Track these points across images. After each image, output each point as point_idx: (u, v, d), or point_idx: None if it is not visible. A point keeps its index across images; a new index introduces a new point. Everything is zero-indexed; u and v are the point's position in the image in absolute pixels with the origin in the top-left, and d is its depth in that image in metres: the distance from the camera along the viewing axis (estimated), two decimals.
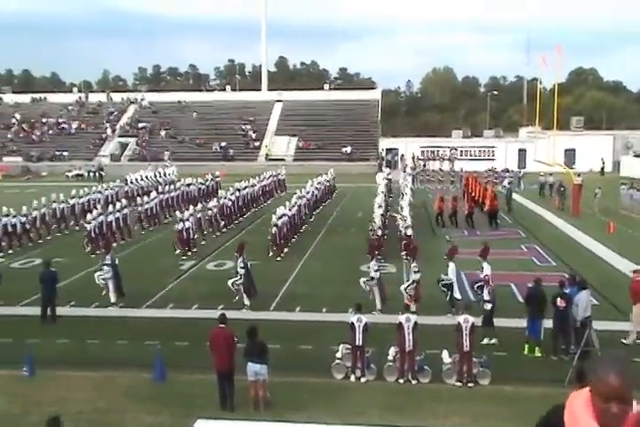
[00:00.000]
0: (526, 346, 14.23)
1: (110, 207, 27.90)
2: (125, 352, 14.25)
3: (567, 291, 14.34)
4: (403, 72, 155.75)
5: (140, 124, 68.05)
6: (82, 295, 18.31)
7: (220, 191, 34.36)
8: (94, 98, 75.57)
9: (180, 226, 24.73)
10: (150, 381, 12.67)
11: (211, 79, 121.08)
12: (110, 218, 26.57)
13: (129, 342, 14.83)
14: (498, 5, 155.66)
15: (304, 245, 25.89)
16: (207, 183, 38.00)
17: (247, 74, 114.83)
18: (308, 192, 32.77)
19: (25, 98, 76.27)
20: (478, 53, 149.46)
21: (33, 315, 16.56)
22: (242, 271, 17.48)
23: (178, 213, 27.14)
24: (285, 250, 24.43)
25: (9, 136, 67.57)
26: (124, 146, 65.58)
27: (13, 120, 70.39)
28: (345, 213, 34.49)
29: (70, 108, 72.79)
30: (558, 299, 14.00)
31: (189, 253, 24.27)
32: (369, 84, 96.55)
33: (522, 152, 61.19)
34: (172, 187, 35.16)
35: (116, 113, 70.80)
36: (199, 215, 27.68)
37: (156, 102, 72.62)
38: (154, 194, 31.81)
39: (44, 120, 70.03)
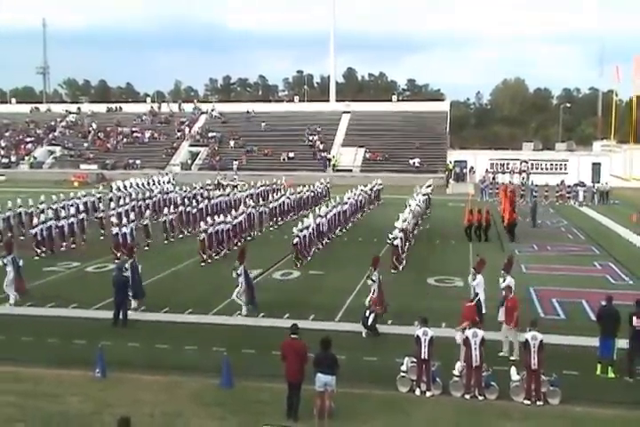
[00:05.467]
0: (599, 366, 13.74)
1: (63, 213, 28.42)
2: (193, 358, 14.50)
3: None
4: (472, 83, 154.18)
5: (210, 134, 69.56)
6: (152, 300, 18.73)
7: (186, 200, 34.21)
8: (166, 108, 77.77)
9: (115, 230, 25.20)
10: (217, 387, 12.85)
11: (279, 90, 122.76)
12: (62, 223, 27.11)
13: (197, 347, 15.09)
14: (571, 15, 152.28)
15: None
16: (195, 191, 37.94)
17: (315, 85, 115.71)
18: (273, 201, 33.65)
19: (101, 107, 79.30)
20: (551, 65, 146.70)
21: (106, 318, 17.07)
22: (127, 273, 17.87)
23: (114, 218, 27.40)
24: (217, 257, 24.80)
25: (85, 145, 70.20)
26: (194, 155, 67.15)
27: (90, 129, 73.14)
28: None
29: (144, 117, 75.11)
30: (634, 318, 13.48)
31: (118, 260, 23.97)
32: (437, 96, 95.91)
33: (596, 166, 59.47)
34: (147, 195, 35.74)
35: (187, 123, 72.59)
36: (146, 222, 28.25)
37: (225, 113, 74.13)
38: (123, 201, 32.60)
39: (118, 129, 72.47)
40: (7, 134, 73.91)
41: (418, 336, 12.81)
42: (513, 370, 12.66)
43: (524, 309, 17.19)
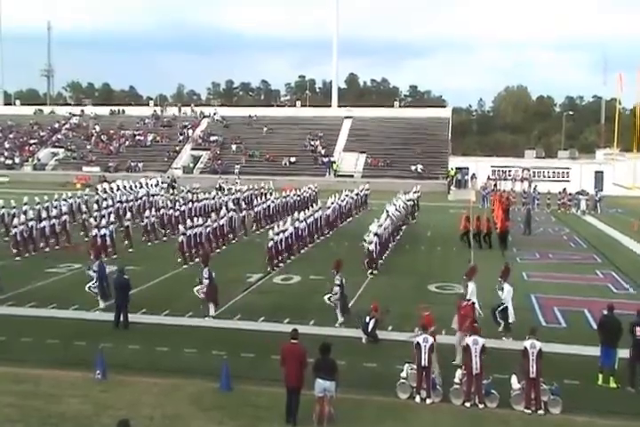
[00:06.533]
0: (600, 376, 13.68)
1: (44, 214, 28.50)
2: (193, 361, 14.47)
3: None
4: (474, 90, 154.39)
5: (212, 138, 69.61)
6: (153, 303, 18.72)
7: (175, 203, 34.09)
8: (169, 111, 77.92)
9: (94, 232, 25.19)
10: (216, 390, 12.81)
11: (281, 95, 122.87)
12: (43, 224, 27.23)
13: (197, 350, 15.06)
14: (574, 22, 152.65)
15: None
16: (182, 194, 37.73)
17: (317, 90, 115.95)
18: (257, 205, 33.89)
19: (104, 110, 79.42)
20: (554, 72, 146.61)
21: (107, 320, 17.06)
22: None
23: (92, 220, 27.45)
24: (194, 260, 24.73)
25: (88, 147, 70.29)
26: (196, 159, 67.19)
27: (93, 131, 73.22)
28: (417, 230, 34.19)
29: (146, 120, 75.21)
30: (636, 328, 13.42)
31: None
32: (439, 103, 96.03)
33: (598, 174, 59.46)
34: (131, 197, 35.88)
35: (189, 126, 72.66)
36: (127, 224, 28.23)
37: (227, 117, 74.21)
38: (107, 203, 32.72)
39: (121, 132, 72.55)
40: (11, 136, 74.05)
41: (418, 343, 12.75)
42: (514, 378, 12.60)
43: (526, 317, 17.25)
